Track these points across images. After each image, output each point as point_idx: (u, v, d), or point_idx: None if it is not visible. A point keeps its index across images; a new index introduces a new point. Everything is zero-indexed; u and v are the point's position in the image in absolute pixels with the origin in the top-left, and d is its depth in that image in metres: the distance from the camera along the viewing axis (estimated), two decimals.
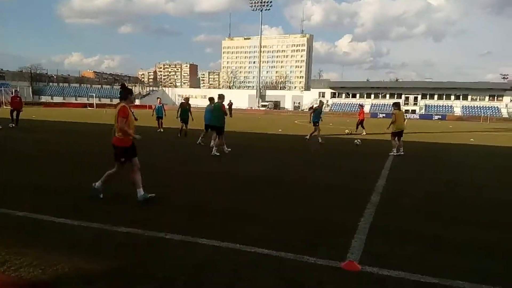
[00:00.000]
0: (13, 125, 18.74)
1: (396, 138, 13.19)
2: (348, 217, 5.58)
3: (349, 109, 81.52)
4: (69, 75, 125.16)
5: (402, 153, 12.98)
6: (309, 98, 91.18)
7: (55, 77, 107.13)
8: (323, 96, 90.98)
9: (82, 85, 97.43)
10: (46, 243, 4.19)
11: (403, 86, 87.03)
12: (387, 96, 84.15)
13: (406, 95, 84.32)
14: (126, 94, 6.10)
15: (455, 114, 74.05)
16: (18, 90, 24.04)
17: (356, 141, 16.37)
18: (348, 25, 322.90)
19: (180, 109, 17.08)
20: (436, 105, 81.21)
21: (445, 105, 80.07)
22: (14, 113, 19.33)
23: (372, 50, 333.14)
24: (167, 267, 3.72)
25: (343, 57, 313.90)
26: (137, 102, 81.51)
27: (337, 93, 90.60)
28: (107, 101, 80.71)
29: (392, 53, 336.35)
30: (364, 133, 22.33)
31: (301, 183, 8.15)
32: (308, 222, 5.37)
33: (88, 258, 3.84)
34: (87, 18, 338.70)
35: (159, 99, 21.25)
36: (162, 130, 19.39)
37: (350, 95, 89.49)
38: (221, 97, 11.65)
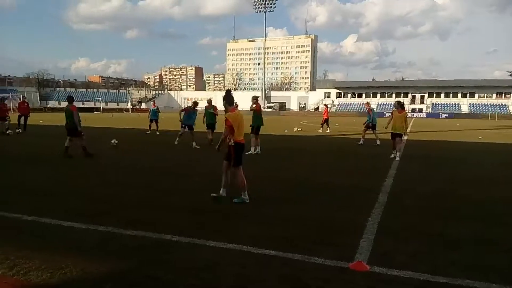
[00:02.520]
0: (20, 130, 18.91)
1: (396, 141, 11.77)
2: (355, 217, 5.55)
3: (355, 109, 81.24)
4: (75, 80, 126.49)
5: (397, 158, 11.48)
6: (315, 99, 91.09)
7: (62, 82, 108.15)
8: (329, 97, 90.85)
9: (88, 89, 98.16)
10: (54, 247, 4.21)
11: (409, 85, 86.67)
12: (393, 95, 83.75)
13: (413, 94, 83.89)
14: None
15: (462, 112, 73.47)
16: (25, 95, 24.28)
17: (377, 141, 15.92)
18: (353, 25, 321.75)
19: (205, 113, 15.42)
20: (443, 103, 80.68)
21: (452, 104, 79.50)
22: (22, 119, 19.52)
23: (377, 50, 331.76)
24: (173, 269, 3.72)
25: (348, 57, 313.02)
26: (143, 105, 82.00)
27: (342, 93, 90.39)
28: (113, 105, 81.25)
29: (398, 52, 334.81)
30: (328, 131, 23.37)
31: (307, 182, 8.12)
32: (315, 222, 5.34)
33: (95, 261, 3.85)
34: (93, 23, 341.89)
35: (153, 102, 21.81)
36: (158, 133, 19.98)
37: (356, 95, 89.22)
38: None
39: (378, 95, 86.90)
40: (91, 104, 77.94)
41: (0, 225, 4.98)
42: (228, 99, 6.31)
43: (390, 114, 12.79)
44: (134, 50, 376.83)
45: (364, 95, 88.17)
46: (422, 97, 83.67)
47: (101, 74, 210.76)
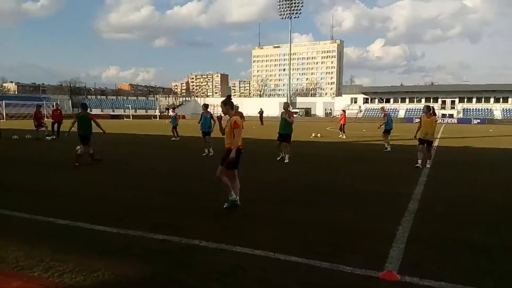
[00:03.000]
0: (54, 136, 19.62)
1: (424, 147, 10.99)
2: (385, 224, 5.44)
3: (382, 114, 79.65)
4: (106, 88, 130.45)
5: (428, 165, 10.88)
6: (341, 104, 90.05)
7: (93, 90, 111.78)
8: (355, 102, 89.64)
9: (118, 97, 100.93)
10: (85, 250, 4.33)
11: (439, 89, 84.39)
12: (423, 100, 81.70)
13: (443, 99, 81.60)
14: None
15: (495, 118, 70.82)
16: (58, 103, 25.20)
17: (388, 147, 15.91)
18: (380, 30, 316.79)
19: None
20: (474, 108, 78.04)
21: (484, 109, 76.77)
22: (55, 126, 20.28)
23: (405, 54, 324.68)
24: (195, 273, 3.76)
25: (375, 62, 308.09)
26: (170, 112, 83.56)
27: (369, 99, 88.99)
28: (142, 112, 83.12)
29: (427, 56, 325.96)
30: (344, 137, 23.47)
31: (335, 188, 8.03)
32: (342, 229, 5.27)
33: (124, 264, 3.93)
34: (123, 32, 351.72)
35: (172, 109, 22.38)
36: (178, 138, 20.29)
37: (384, 100, 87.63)
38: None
39: (407, 100, 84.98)
40: (121, 111, 79.96)
41: (35, 229, 5.17)
42: (231, 104, 6.34)
43: (418, 119, 12.39)
44: (162, 58, 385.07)
45: (392, 100, 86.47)
46: (453, 102, 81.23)
47: (130, 82, 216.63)
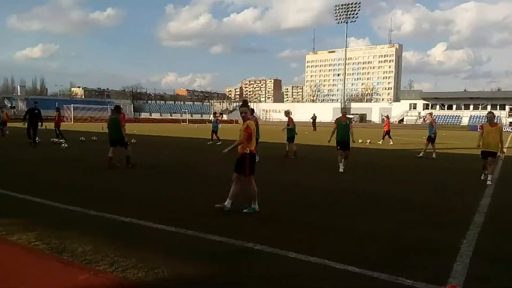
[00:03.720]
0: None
1: (488, 161, 9.66)
2: (448, 237, 5.15)
3: (444, 121, 75.64)
4: (165, 93, 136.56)
5: (489, 182, 9.37)
6: (399, 110, 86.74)
7: (153, 95, 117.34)
8: (415, 108, 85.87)
9: (176, 102, 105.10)
10: (148, 248, 4.53)
11: (507, 96, 78.30)
12: (488, 107, 76.33)
13: (510, 106, 75.71)
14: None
15: None
16: (121, 107, 26.68)
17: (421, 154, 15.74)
18: (442, 33, 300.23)
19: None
20: None
21: None
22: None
23: (469, 58, 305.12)
24: (255, 277, 3.79)
25: (436, 67, 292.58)
26: (224, 117, 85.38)
27: (430, 105, 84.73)
28: (198, 116, 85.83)
29: (493, 60, 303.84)
30: (391, 142, 22.85)
31: (392, 198, 7.74)
32: (403, 241, 5.06)
33: (184, 263, 4.07)
34: (182, 40, 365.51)
35: (213, 114, 23.38)
36: (211, 142, 20.53)
37: (446, 106, 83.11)
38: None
39: (471, 107, 79.84)
40: (178, 116, 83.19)
41: (101, 225, 5.51)
42: (249, 108, 6.45)
43: (479, 128, 11.27)
44: (218, 65, 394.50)
45: (454, 106, 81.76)
46: None
47: (187, 88, 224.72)
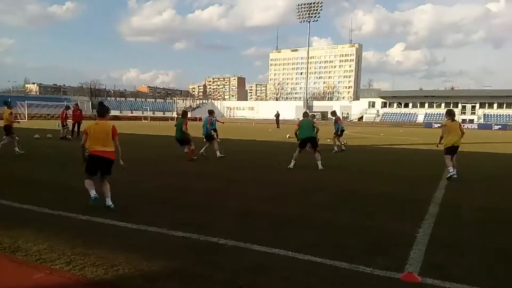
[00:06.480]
0: (70, 137, 19.96)
1: (453, 156, 9.74)
2: (405, 227, 5.36)
3: (401, 119, 78.80)
4: (125, 90, 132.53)
5: (455, 175, 9.48)
6: (358, 108, 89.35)
7: (112, 92, 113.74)
8: (373, 106, 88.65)
9: (137, 99, 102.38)
10: (107, 245, 4.38)
11: (460, 94, 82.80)
12: (442, 105, 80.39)
13: (463, 104, 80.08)
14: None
15: None
16: (78, 103, 25.71)
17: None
18: (401, 34, 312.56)
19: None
20: (496, 114, 76.34)
21: (506, 114, 74.93)
22: (76, 126, 20.69)
23: (426, 59, 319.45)
24: (223, 270, 3.77)
25: (395, 67, 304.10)
26: (188, 115, 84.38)
27: (388, 103, 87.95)
28: (160, 114, 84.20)
29: (448, 61, 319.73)
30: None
31: (354, 190, 7.95)
32: (363, 231, 5.21)
33: (146, 259, 3.97)
34: (145, 35, 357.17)
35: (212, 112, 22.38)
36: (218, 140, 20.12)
37: (402, 104, 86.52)
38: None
39: (426, 105, 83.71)
40: (139, 113, 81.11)
41: (56, 223, 5.27)
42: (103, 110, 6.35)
43: (440, 125, 11.56)
44: (181, 61, 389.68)
45: (411, 104, 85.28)
46: (473, 107, 79.65)
47: (149, 85, 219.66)
